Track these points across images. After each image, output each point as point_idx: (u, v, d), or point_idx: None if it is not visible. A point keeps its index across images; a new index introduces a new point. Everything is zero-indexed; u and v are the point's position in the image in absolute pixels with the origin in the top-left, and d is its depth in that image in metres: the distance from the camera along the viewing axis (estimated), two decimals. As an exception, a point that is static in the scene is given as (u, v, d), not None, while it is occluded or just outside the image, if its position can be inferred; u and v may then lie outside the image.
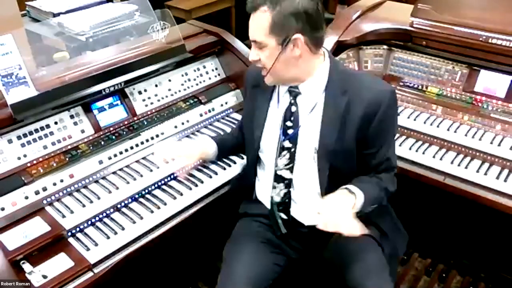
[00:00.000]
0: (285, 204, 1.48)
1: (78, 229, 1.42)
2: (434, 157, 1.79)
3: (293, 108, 1.41)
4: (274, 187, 1.48)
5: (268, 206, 1.53)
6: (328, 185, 1.39)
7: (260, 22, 1.26)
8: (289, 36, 1.25)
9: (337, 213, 1.25)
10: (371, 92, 1.35)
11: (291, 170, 1.44)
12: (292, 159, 1.43)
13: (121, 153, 1.66)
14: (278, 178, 1.47)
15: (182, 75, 1.95)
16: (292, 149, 1.42)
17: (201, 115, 1.91)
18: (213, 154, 1.61)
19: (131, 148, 1.69)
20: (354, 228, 1.23)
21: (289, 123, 1.42)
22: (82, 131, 1.64)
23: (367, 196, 1.34)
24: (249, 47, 1.38)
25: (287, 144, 1.42)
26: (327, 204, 1.28)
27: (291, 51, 1.28)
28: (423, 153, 1.82)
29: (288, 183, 1.46)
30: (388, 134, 1.42)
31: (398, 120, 1.93)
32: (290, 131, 1.42)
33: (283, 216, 1.50)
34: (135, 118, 1.76)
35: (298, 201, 1.47)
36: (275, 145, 1.45)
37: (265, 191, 1.54)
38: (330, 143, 1.36)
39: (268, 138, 1.47)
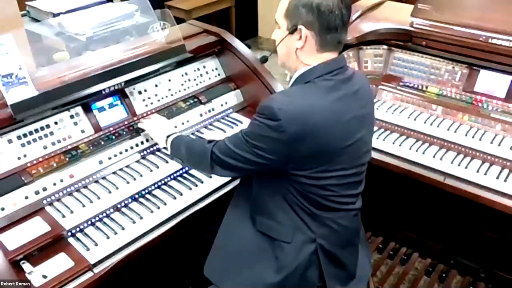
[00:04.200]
0: None
1: (78, 229, 1.42)
2: (434, 157, 1.79)
3: None
4: None
5: None
6: None
7: (282, 3, 1.29)
8: (296, 25, 1.25)
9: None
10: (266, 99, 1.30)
11: None
12: None
13: (121, 153, 1.66)
14: None
15: (182, 75, 1.95)
16: None
17: (201, 115, 1.91)
18: None
19: (131, 148, 1.69)
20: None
21: None
22: (82, 131, 1.64)
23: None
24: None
25: None
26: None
27: (296, 40, 1.27)
28: (423, 153, 1.82)
29: None
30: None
31: (399, 120, 1.95)
32: None
33: None
34: (135, 118, 1.76)
35: None
36: None
37: None
38: None
39: None
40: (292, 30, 1.26)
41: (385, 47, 2.15)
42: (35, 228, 1.38)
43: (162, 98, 1.86)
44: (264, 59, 1.46)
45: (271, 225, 1.37)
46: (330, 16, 1.22)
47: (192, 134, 1.85)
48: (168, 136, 1.58)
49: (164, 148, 1.65)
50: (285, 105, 1.20)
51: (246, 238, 1.42)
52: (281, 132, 1.19)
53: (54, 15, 2.04)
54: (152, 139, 1.72)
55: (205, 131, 1.88)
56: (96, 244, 1.37)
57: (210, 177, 1.66)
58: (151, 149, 1.73)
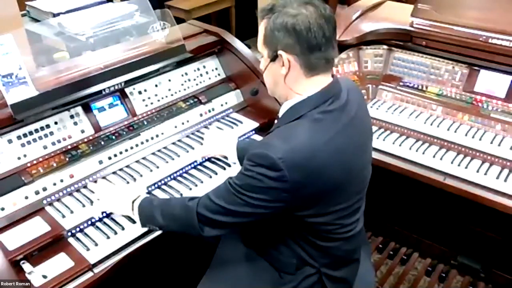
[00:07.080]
0: None
1: (78, 229, 1.42)
2: (434, 157, 1.79)
3: None
4: None
5: None
6: None
7: (260, 31, 1.21)
8: (276, 51, 1.17)
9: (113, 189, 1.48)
10: (258, 145, 1.25)
11: None
12: None
13: (121, 153, 1.66)
14: None
15: (182, 75, 1.95)
16: None
17: (201, 115, 1.91)
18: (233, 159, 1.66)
19: (131, 148, 1.69)
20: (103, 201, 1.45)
21: None
22: (82, 131, 1.64)
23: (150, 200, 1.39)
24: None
25: None
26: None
27: (279, 67, 1.19)
28: (423, 153, 1.82)
29: None
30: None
31: (399, 120, 1.95)
32: None
33: None
34: (135, 118, 1.76)
35: None
36: None
37: None
38: None
39: None
40: (273, 57, 1.18)
41: (385, 47, 2.15)
42: (35, 228, 1.38)
43: (162, 98, 1.86)
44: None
45: (272, 253, 1.34)
46: (309, 35, 1.12)
47: (192, 134, 1.85)
48: (133, 201, 1.40)
49: (127, 216, 1.45)
50: (286, 153, 1.09)
51: (243, 262, 1.40)
52: (284, 182, 1.10)
53: (54, 15, 2.04)
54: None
55: (205, 131, 1.88)
56: (96, 244, 1.37)
57: (210, 177, 1.66)
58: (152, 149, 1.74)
